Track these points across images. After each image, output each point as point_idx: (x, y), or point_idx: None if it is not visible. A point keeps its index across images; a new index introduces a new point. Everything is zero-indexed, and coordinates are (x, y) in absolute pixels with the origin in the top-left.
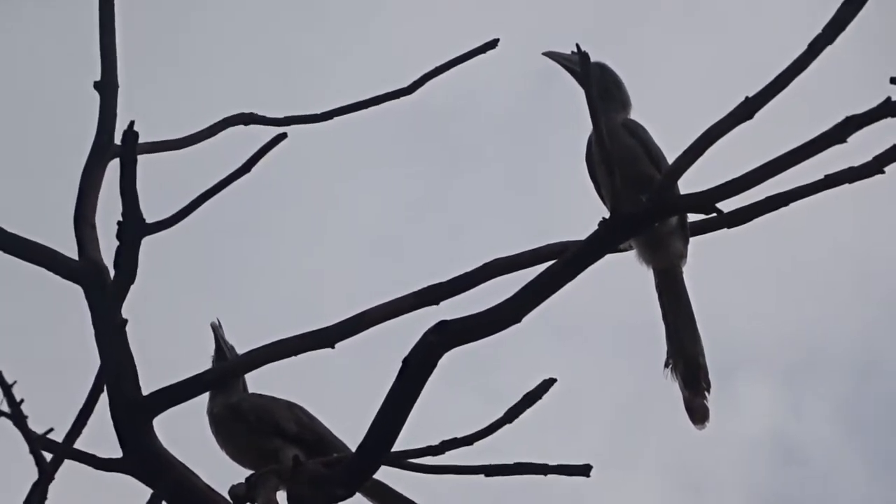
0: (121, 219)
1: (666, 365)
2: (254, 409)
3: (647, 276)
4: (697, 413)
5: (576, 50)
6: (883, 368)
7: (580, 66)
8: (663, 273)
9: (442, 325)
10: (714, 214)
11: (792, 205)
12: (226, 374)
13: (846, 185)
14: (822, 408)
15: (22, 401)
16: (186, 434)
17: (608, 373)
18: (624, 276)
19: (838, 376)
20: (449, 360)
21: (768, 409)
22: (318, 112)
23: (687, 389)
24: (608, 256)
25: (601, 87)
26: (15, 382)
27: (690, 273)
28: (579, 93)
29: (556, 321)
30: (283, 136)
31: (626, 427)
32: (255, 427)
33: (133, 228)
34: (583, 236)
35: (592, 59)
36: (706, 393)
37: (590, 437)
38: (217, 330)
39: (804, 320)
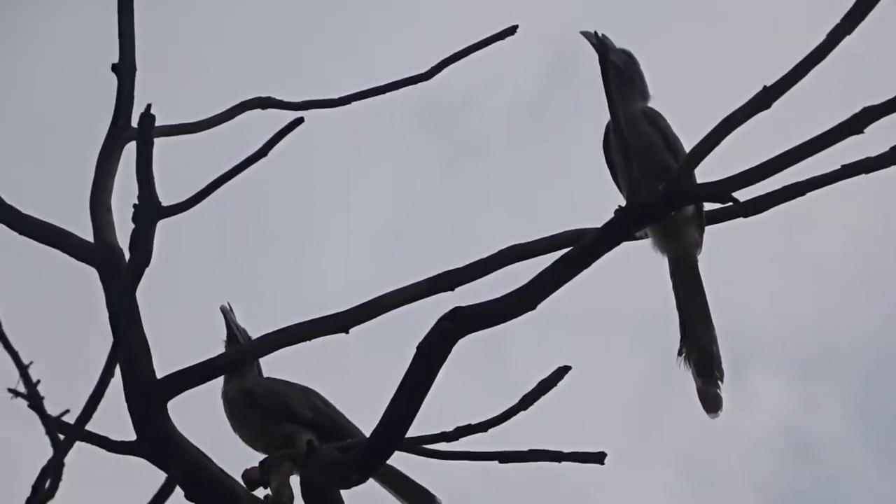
0: (136, 202)
1: (679, 353)
2: (268, 393)
3: (661, 264)
4: (710, 402)
5: (594, 35)
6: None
7: (598, 52)
8: (678, 261)
9: (456, 311)
10: (730, 203)
11: (809, 194)
12: (240, 358)
13: (863, 175)
14: (835, 403)
15: (38, 382)
16: (200, 418)
17: (621, 361)
18: (638, 263)
19: (852, 371)
20: (462, 347)
21: (781, 403)
22: (336, 97)
23: (700, 378)
24: (623, 244)
25: (625, 74)
26: (31, 363)
27: (705, 262)
28: (599, 80)
29: (569, 309)
30: (300, 120)
31: (639, 416)
32: (270, 412)
33: (148, 212)
34: (599, 224)
35: (619, 46)
36: (719, 382)
37: (603, 426)
38: (228, 314)
39: (818, 313)
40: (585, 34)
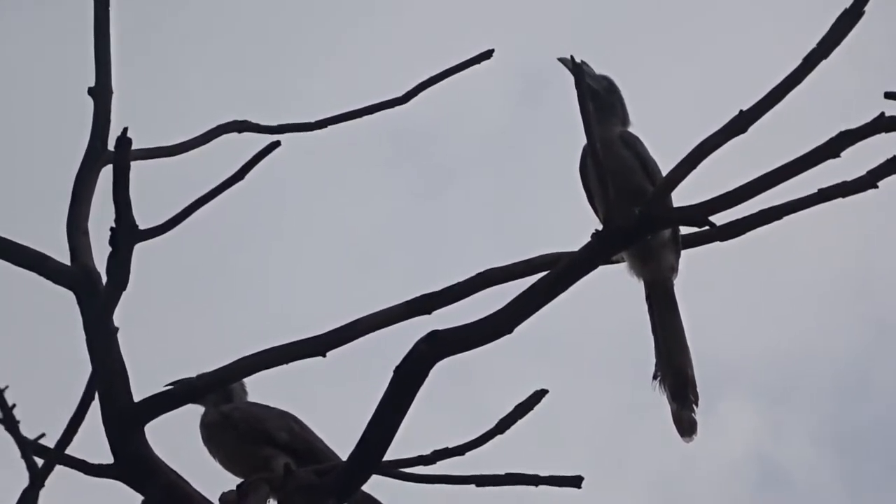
0: (113, 225)
1: (654, 377)
2: (245, 417)
3: (637, 288)
4: (685, 426)
5: (571, 60)
6: (868, 390)
7: (574, 77)
8: (654, 285)
9: (434, 334)
10: (707, 227)
11: (785, 219)
12: (217, 382)
13: (840, 200)
14: (805, 429)
15: (14, 405)
16: (178, 441)
17: (598, 385)
18: (614, 287)
19: (822, 397)
20: (439, 371)
21: (752, 429)
22: (313, 120)
23: (675, 402)
24: (599, 268)
25: (603, 98)
26: (7, 387)
27: (681, 286)
28: (575, 105)
29: (545, 332)
30: (276, 143)
31: (616, 440)
32: (245, 435)
33: (125, 235)
34: (575, 248)
35: (598, 72)
36: (694, 406)
37: (579, 450)
38: None
39: (789, 339)
40: (562, 60)
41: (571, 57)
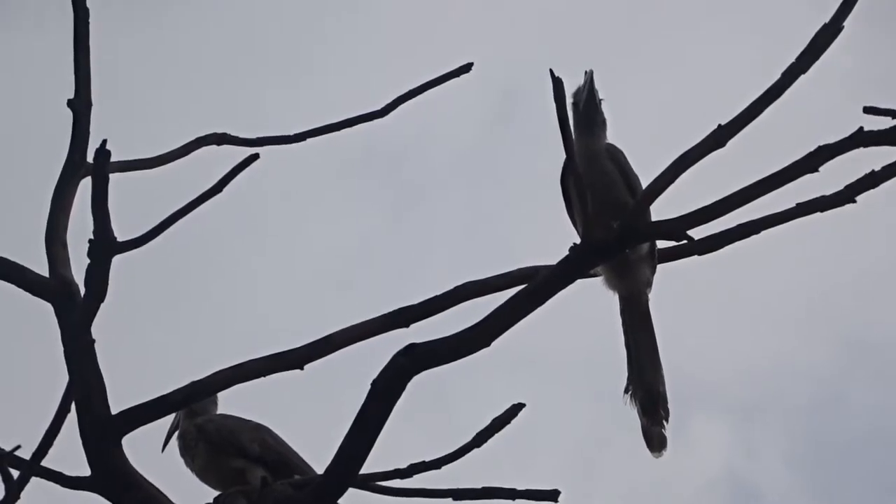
0: (92, 237)
1: (626, 391)
2: (218, 428)
3: (612, 301)
4: (655, 441)
5: (551, 74)
6: (842, 407)
7: (554, 92)
8: (629, 299)
9: (411, 347)
10: (685, 241)
11: (763, 233)
12: (195, 394)
13: (818, 214)
14: (778, 447)
15: None
16: (155, 454)
17: (574, 399)
18: (590, 301)
19: (795, 415)
20: (416, 384)
21: (725, 445)
22: (291, 133)
23: (645, 417)
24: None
25: (586, 111)
26: None
27: (655, 301)
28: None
29: (522, 346)
30: (255, 156)
31: (590, 454)
32: (219, 447)
33: (104, 247)
34: (553, 261)
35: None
36: (664, 421)
37: (555, 464)
38: None
39: (764, 355)
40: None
41: (551, 71)
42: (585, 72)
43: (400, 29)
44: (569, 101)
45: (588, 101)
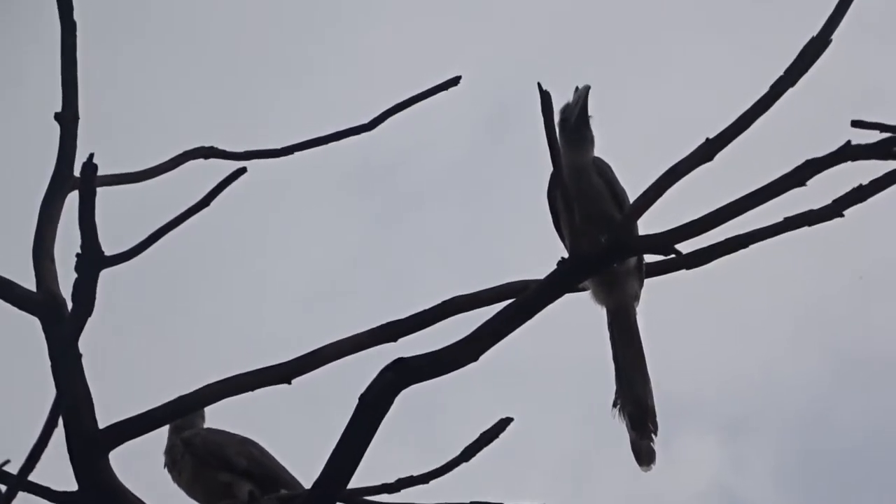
0: (79, 251)
1: (614, 405)
2: (205, 442)
3: (600, 315)
4: (643, 455)
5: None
6: (830, 422)
7: (541, 105)
8: (617, 313)
9: (399, 362)
10: (673, 255)
11: (751, 247)
12: (182, 408)
13: (805, 228)
14: (766, 461)
15: None
16: (143, 468)
17: (562, 413)
18: (579, 315)
19: (784, 429)
20: (405, 398)
21: (714, 460)
22: (279, 147)
23: (634, 431)
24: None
25: (575, 125)
26: None
27: (643, 314)
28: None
29: (511, 360)
30: (242, 170)
31: (578, 468)
32: (206, 460)
33: (91, 261)
34: (542, 275)
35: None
36: (653, 435)
37: (542, 478)
38: None
39: (753, 369)
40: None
41: (539, 84)
42: (577, 87)
43: (389, 43)
44: (558, 115)
45: (580, 116)
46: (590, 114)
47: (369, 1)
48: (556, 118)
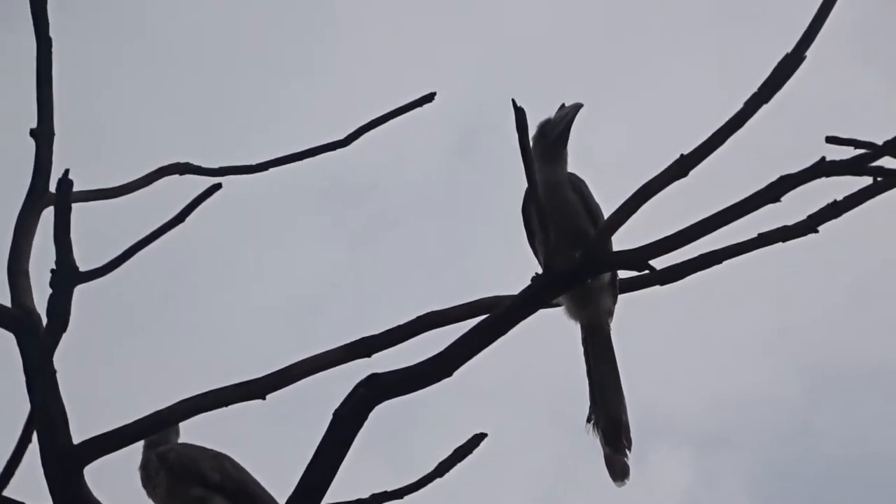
0: (54, 267)
1: (588, 420)
2: (179, 457)
3: (574, 330)
4: (617, 470)
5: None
6: (804, 439)
7: (516, 121)
8: (591, 329)
9: (373, 377)
10: (647, 271)
11: (725, 263)
12: (157, 424)
13: (780, 244)
14: (740, 479)
15: None
16: (117, 484)
17: (536, 429)
18: (549, 330)
19: (758, 447)
20: (379, 414)
21: (686, 477)
22: (254, 163)
23: (608, 446)
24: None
25: (552, 140)
26: None
27: (617, 330)
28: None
29: (485, 376)
30: (217, 186)
31: (552, 483)
32: (180, 475)
33: (66, 276)
34: (516, 291)
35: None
36: (627, 450)
37: (516, 494)
38: None
39: (727, 386)
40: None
41: (513, 101)
42: (564, 104)
43: (365, 61)
44: (536, 130)
45: (563, 133)
46: (550, 130)
47: (345, 19)
48: (533, 133)
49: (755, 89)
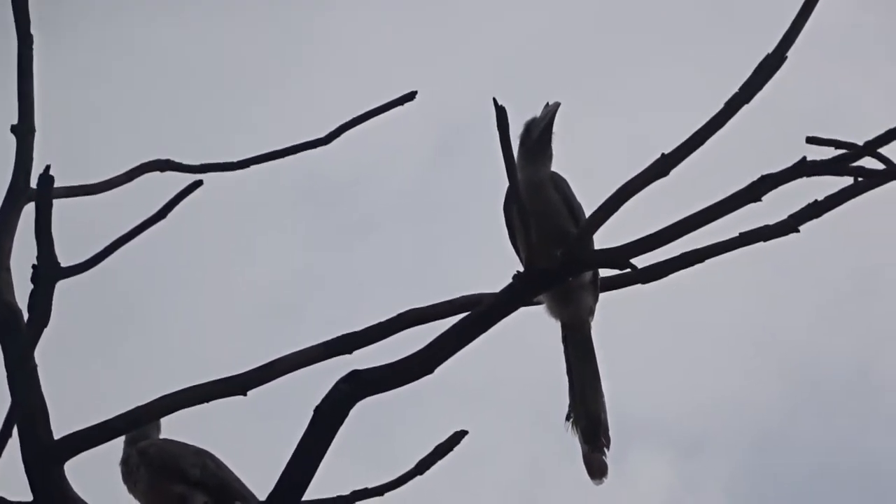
0: (35, 262)
1: (567, 418)
2: (159, 452)
3: (554, 329)
4: (595, 468)
5: (495, 105)
6: (784, 443)
7: (497, 121)
8: (571, 327)
9: (354, 374)
10: (628, 270)
11: (706, 262)
12: (138, 419)
13: (761, 244)
14: (718, 481)
15: None
16: (98, 479)
17: (516, 426)
18: (533, 328)
19: (737, 450)
20: (359, 411)
21: (665, 479)
22: (235, 160)
23: (586, 444)
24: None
25: (536, 139)
26: None
27: (598, 329)
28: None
29: (465, 373)
30: (198, 183)
31: (532, 482)
32: (160, 471)
33: (47, 272)
34: (497, 289)
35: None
36: (605, 449)
37: (496, 491)
38: None
39: (706, 388)
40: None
41: (494, 100)
42: (548, 103)
43: (346, 59)
44: (520, 130)
45: (544, 131)
46: (554, 130)
47: (327, 17)
48: (520, 132)
49: (737, 89)
